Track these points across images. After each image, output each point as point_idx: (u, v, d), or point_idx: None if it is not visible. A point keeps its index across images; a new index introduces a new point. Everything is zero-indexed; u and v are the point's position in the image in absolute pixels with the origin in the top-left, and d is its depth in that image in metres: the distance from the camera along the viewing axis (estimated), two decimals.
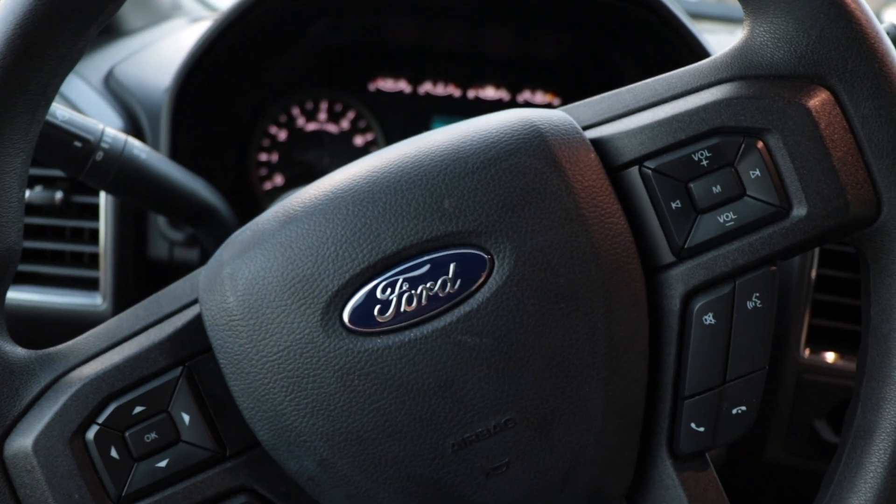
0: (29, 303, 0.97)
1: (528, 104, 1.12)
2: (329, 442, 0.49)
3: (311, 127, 1.14)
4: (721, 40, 1.17)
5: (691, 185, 0.50)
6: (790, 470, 0.87)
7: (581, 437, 0.49)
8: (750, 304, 0.50)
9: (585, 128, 0.53)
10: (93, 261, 0.97)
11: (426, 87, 1.13)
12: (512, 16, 1.05)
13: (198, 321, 0.52)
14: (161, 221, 0.94)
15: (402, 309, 0.48)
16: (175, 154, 0.95)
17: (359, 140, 1.14)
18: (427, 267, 0.48)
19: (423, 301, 0.48)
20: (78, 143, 0.66)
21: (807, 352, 0.85)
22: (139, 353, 0.51)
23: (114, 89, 0.99)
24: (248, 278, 0.49)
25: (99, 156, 0.67)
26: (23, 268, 0.98)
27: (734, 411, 0.51)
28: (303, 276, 0.48)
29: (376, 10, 1.02)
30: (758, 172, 0.49)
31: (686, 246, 0.50)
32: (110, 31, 1.11)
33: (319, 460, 0.49)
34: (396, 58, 1.13)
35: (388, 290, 0.48)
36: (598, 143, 0.52)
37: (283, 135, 1.14)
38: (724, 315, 0.50)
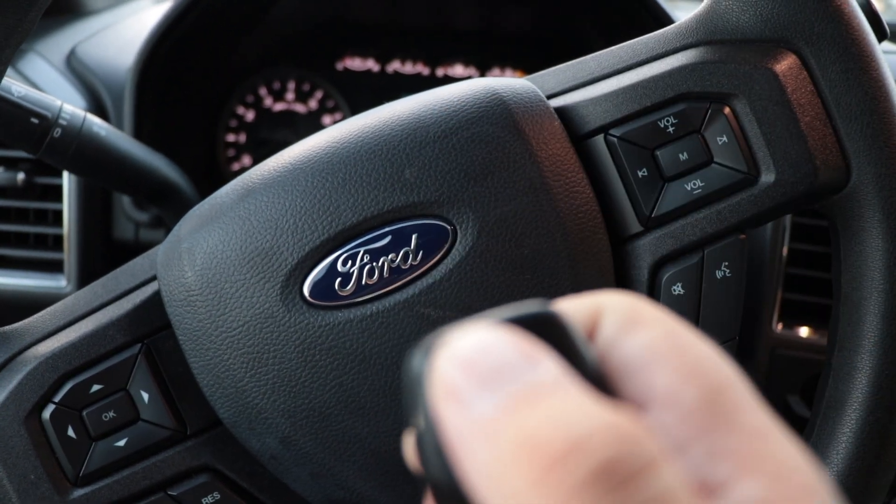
0: None
1: None
2: (291, 419, 0.48)
3: (279, 107, 1.12)
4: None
5: (657, 152, 0.49)
6: None
7: None
8: (719, 274, 0.49)
9: (549, 96, 0.52)
10: (57, 243, 0.95)
11: (394, 66, 1.12)
12: None
13: (156, 297, 0.51)
14: (126, 202, 0.93)
15: (363, 282, 0.47)
16: (139, 135, 0.93)
17: (327, 120, 1.13)
18: (388, 238, 0.47)
19: (385, 273, 0.47)
20: (35, 120, 0.65)
21: (779, 326, 0.85)
22: (96, 330, 0.50)
23: (76, 69, 0.97)
24: (205, 252, 0.48)
25: (57, 132, 0.65)
26: None
27: None
28: (262, 250, 0.47)
29: None
30: (725, 139, 0.49)
31: (653, 215, 0.49)
32: (72, 10, 1.09)
33: (281, 438, 0.48)
34: (364, 36, 1.11)
35: (349, 263, 0.47)
36: (562, 112, 0.51)
37: (250, 115, 1.12)
38: (692, 285, 0.49)
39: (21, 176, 0.90)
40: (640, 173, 0.49)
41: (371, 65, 1.12)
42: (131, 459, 0.50)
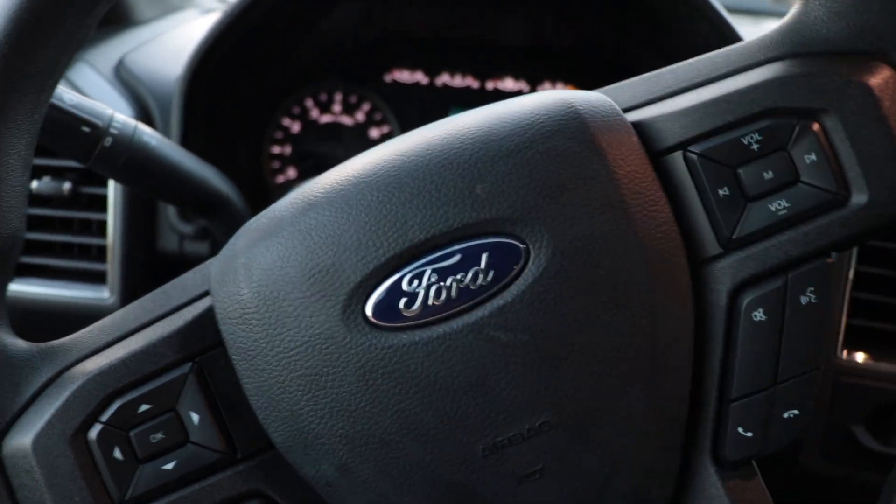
0: (36, 296, 0.95)
1: None
2: (349, 445, 0.45)
3: (326, 119, 1.11)
4: (747, 31, 1.14)
5: (740, 170, 0.47)
6: (826, 478, 0.83)
7: (621, 442, 0.46)
8: (804, 299, 0.46)
9: (625, 110, 0.50)
10: (101, 253, 0.94)
11: (443, 79, 1.10)
12: (530, 3, 1.01)
13: (209, 314, 0.49)
14: (171, 213, 0.91)
15: (429, 302, 0.44)
16: (186, 145, 0.91)
17: (374, 132, 1.11)
18: (457, 257, 0.44)
19: (453, 294, 0.44)
20: (86, 129, 0.63)
21: (844, 353, 0.82)
22: (146, 347, 0.48)
23: (124, 78, 0.96)
24: (263, 268, 0.46)
25: (108, 141, 0.64)
26: (30, 260, 0.96)
27: (785, 415, 0.47)
28: (323, 267, 0.45)
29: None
30: (813, 157, 0.46)
31: (734, 236, 0.47)
32: (121, 21, 1.09)
33: (338, 465, 0.46)
34: (413, 49, 1.09)
35: (415, 282, 0.44)
36: (639, 127, 0.48)
37: (296, 127, 1.11)
38: (775, 311, 0.46)
39: (67, 185, 0.90)
40: (721, 192, 0.47)
41: (419, 77, 1.10)
42: (180, 483, 0.48)
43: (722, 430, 0.48)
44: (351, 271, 0.45)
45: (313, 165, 1.11)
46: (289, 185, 1.12)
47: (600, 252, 0.44)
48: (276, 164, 1.12)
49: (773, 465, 0.86)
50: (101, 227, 0.93)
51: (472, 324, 0.44)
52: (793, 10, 0.49)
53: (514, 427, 0.45)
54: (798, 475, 0.84)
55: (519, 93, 1.09)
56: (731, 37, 0.87)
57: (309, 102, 1.11)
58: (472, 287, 0.44)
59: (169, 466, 0.48)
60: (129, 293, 0.91)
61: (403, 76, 1.10)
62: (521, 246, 0.44)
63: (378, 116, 1.11)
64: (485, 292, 0.44)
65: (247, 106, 1.05)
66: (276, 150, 1.12)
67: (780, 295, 0.46)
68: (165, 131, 0.93)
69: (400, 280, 0.45)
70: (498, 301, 0.44)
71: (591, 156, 0.45)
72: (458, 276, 0.44)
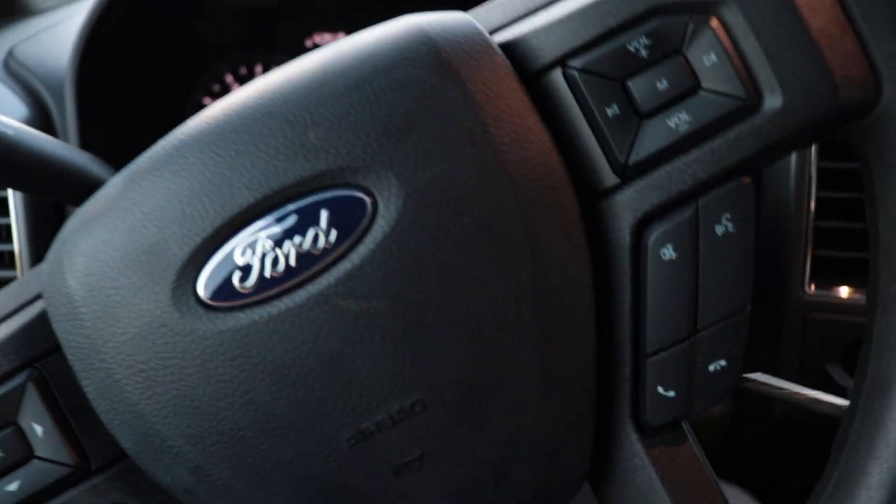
0: None
1: None
2: (199, 445, 0.39)
3: None
4: None
5: (629, 83, 0.39)
6: (802, 422, 0.77)
7: (514, 419, 0.39)
8: (720, 229, 0.39)
9: (492, 32, 0.42)
10: (13, 260, 0.87)
11: None
12: None
13: (45, 314, 0.42)
14: None
15: (267, 274, 0.37)
16: (86, 138, 0.84)
17: None
18: (294, 218, 0.37)
19: (292, 261, 0.37)
20: None
21: (812, 287, 0.75)
22: None
23: (15, 71, 0.89)
24: (86, 255, 0.39)
25: None
26: None
27: (711, 367, 0.40)
28: (147, 246, 0.38)
29: None
30: (714, 57, 0.39)
31: (630, 161, 0.40)
32: (14, 11, 1.01)
33: (192, 468, 0.39)
34: (333, 8, 1.02)
35: (249, 252, 0.38)
36: (508, 47, 0.41)
37: None
38: (687, 246, 0.39)
39: None
40: (609, 111, 0.40)
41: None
42: None
43: (640, 390, 0.41)
44: (177, 248, 0.38)
45: None
46: None
47: (462, 196, 0.37)
48: None
49: (747, 413, 0.80)
50: (9, 232, 0.87)
51: (316, 294, 0.37)
52: None
53: (381, 410, 0.38)
54: (774, 422, 0.77)
55: None
56: None
57: (229, 77, 1.04)
58: (312, 251, 0.37)
59: (12, 487, 0.42)
60: None
61: (325, 39, 1.03)
62: (367, 198, 0.37)
63: None
64: (328, 256, 0.37)
65: (159, 87, 0.98)
66: None
67: (692, 226, 0.39)
68: (63, 126, 0.86)
69: (232, 252, 0.38)
70: (344, 265, 0.37)
71: (443, 83, 0.38)
72: (296, 241, 0.37)
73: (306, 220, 0.37)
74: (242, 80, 1.03)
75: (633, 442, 0.42)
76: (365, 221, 0.37)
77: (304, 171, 0.37)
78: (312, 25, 1.03)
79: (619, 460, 0.42)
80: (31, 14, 1.01)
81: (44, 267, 0.42)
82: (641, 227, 0.40)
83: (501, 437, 0.39)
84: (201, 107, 1.04)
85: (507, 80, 0.39)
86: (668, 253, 0.40)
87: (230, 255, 0.38)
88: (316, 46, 1.02)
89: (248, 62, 1.03)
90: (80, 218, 0.41)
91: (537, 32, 0.41)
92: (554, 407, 0.40)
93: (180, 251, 0.38)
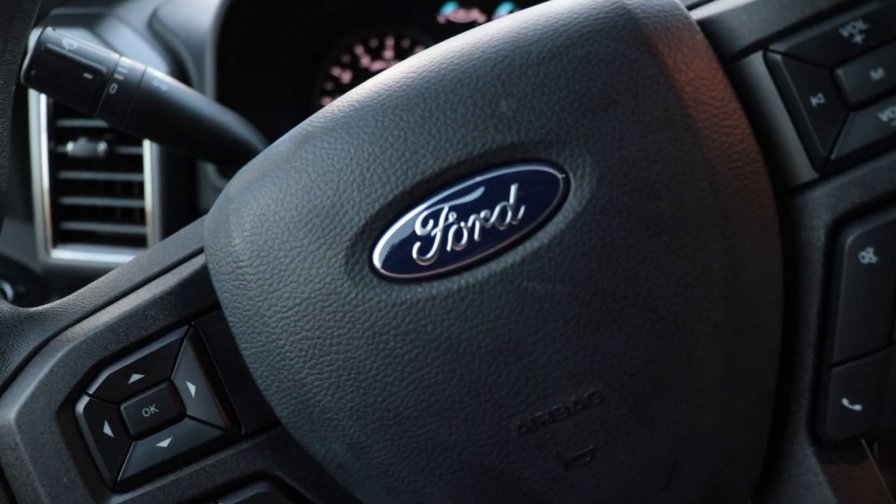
0: (81, 263, 0.91)
1: None
2: (360, 421, 0.38)
3: (378, 66, 1.03)
4: None
5: (839, 71, 0.37)
6: None
7: (691, 418, 0.37)
8: None
9: (691, 7, 0.40)
10: (143, 216, 0.89)
11: (501, 15, 1.01)
12: None
13: (206, 271, 0.42)
14: (210, 171, 0.86)
15: (448, 247, 0.36)
16: (222, 100, 0.85)
17: None
18: (480, 191, 0.36)
19: (477, 236, 0.36)
20: (88, 75, 0.58)
21: None
22: (136, 310, 0.42)
23: (158, 32, 0.90)
24: (255, 214, 0.39)
25: (113, 88, 0.58)
26: (74, 226, 0.93)
27: None
28: (321, 208, 0.38)
29: None
30: None
31: (834, 156, 0.37)
32: None
33: (350, 444, 0.39)
34: None
35: (431, 223, 0.37)
36: (708, 25, 0.39)
37: (346, 76, 1.04)
38: (890, 250, 0.37)
39: (102, 146, 0.85)
40: (814, 100, 0.37)
41: (475, 15, 1.01)
42: (177, 462, 0.42)
43: (821, 401, 0.39)
44: (354, 212, 0.37)
45: None
46: None
47: (659, 179, 0.35)
48: None
49: None
50: (141, 189, 0.88)
51: (500, 272, 0.36)
52: None
53: (557, 399, 0.37)
54: None
55: None
56: None
57: (359, 49, 1.04)
58: (499, 227, 0.36)
59: (164, 444, 0.42)
60: None
61: (458, 15, 1.01)
62: (559, 174, 0.36)
63: None
64: (515, 233, 0.36)
65: (290, 56, 0.98)
66: (326, 101, 1.05)
67: None
68: (201, 87, 0.87)
69: (412, 221, 0.37)
70: (532, 244, 0.36)
71: (643, 60, 0.36)
72: (483, 215, 0.36)
73: (494, 193, 0.36)
74: (373, 53, 1.03)
75: (808, 455, 0.39)
76: (556, 200, 0.36)
77: (495, 141, 0.36)
78: (444, 2, 1.02)
79: (791, 474, 0.40)
80: None
81: (207, 223, 0.42)
82: (838, 226, 0.38)
83: (676, 435, 0.37)
84: (330, 77, 1.04)
85: (707, 61, 0.37)
86: (869, 256, 0.37)
87: (410, 225, 0.37)
88: (449, 23, 1.00)
89: (379, 35, 1.03)
90: (247, 175, 0.41)
91: (739, 11, 0.38)
92: (732, 409, 0.37)
93: (357, 216, 0.37)
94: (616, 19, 0.37)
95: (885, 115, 0.36)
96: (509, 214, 0.36)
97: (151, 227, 0.86)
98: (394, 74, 0.39)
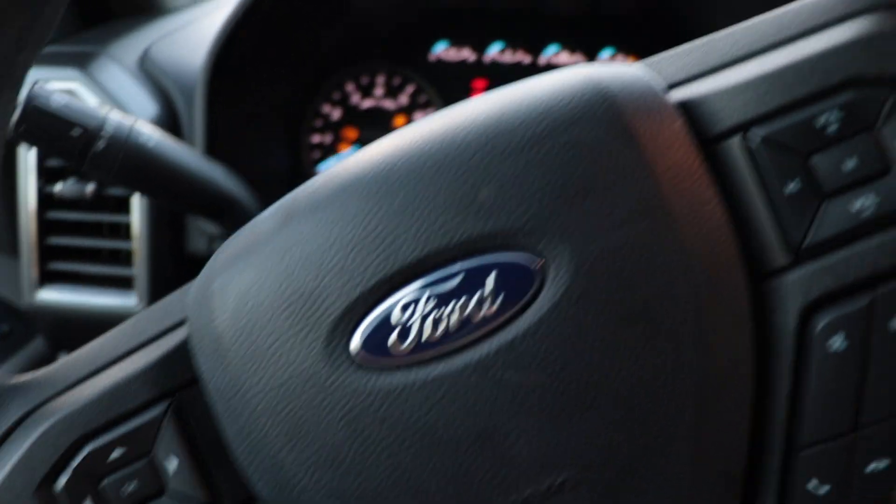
0: (66, 304, 0.91)
1: None
2: (339, 500, 0.38)
3: (368, 104, 1.04)
4: None
5: (814, 158, 0.37)
6: None
7: (662, 501, 0.37)
8: (895, 325, 0.37)
9: (670, 87, 0.41)
10: (129, 258, 0.89)
11: (492, 55, 1.01)
12: None
13: (187, 345, 0.42)
14: None
15: (425, 335, 0.36)
16: (213, 140, 0.85)
17: (420, 116, 1.03)
18: (460, 278, 0.36)
19: (454, 325, 0.36)
20: (76, 132, 0.58)
21: None
22: (119, 383, 0.42)
23: (149, 71, 0.90)
24: (239, 293, 0.39)
25: (100, 145, 0.58)
26: (60, 266, 0.92)
27: (870, 467, 0.38)
28: (303, 292, 0.38)
29: None
30: None
31: (806, 244, 0.37)
32: (150, 9, 1.03)
33: None
34: (457, 23, 1.01)
35: (410, 310, 0.37)
36: (686, 107, 0.39)
37: (336, 113, 1.04)
38: (858, 337, 0.37)
39: (90, 187, 0.85)
40: (789, 186, 0.37)
41: (466, 54, 1.02)
42: None
43: (789, 484, 0.39)
44: (334, 298, 0.37)
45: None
46: None
47: (635, 270, 0.35)
48: (316, 155, 1.05)
49: None
50: (128, 231, 0.88)
51: (475, 363, 0.36)
52: None
53: (530, 486, 0.37)
54: None
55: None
56: None
57: (350, 86, 1.04)
58: (476, 316, 0.36)
59: None
60: (158, 298, 0.86)
61: (449, 54, 1.02)
62: (537, 263, 0.36)
63: (423, 99, 1.03)
64: (491, 322, 0.36)
65: (280, 93, 0.99)
66: (316, 139, 1.05)
67: (866, 317, 0.37)
68: (191, 126, 0.87)
69: (391, 308, 0.37)
70: (508, 333, 0.36)
71: (623, 148, 0.36)
72: (461, 302, 0.36)
73: (473, 281, 0.36)
74: (364, 90, 1.03)
75: None
76: (532, 289, 0.36)
77: (475, 229, 0.36)
78: (436, 39, 1.02)
79: None
80: (166, 12, 1.04)
81: (190, 297, 0.42)
82: (810, 312, 0.38)
83: None
84: (320, 114, 1.04)
85: (685, 147, 0.37)
86: (838, 343, 0.37)
87: (389, 312, 0.37)
88: (440, 62, 1.01)
89: (369, 72, 1.03)
90: (231, 251, 0.41)
91: (719, 95, 0.39)
92: (702, 494, 0.38)
93: (338, 302, 0.37)
94: (598, 105, 0.37)
95: (856, 204, 0.37)
96: (486, 303, 0.36)
97: (138, 270, 0.86)
98: (376, 154, 0.40)
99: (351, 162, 0.41)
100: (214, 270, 0.41)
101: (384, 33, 1.01)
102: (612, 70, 0.39)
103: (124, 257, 0.89)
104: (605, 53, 0.99)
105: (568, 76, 0.39)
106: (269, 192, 0.93)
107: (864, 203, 0.37)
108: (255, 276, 0.39)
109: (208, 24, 0.99)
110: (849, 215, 0.37)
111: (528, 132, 0.37)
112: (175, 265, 0.88)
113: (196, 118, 0.84)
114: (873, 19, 0.37)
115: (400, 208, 0.37)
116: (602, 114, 0.37)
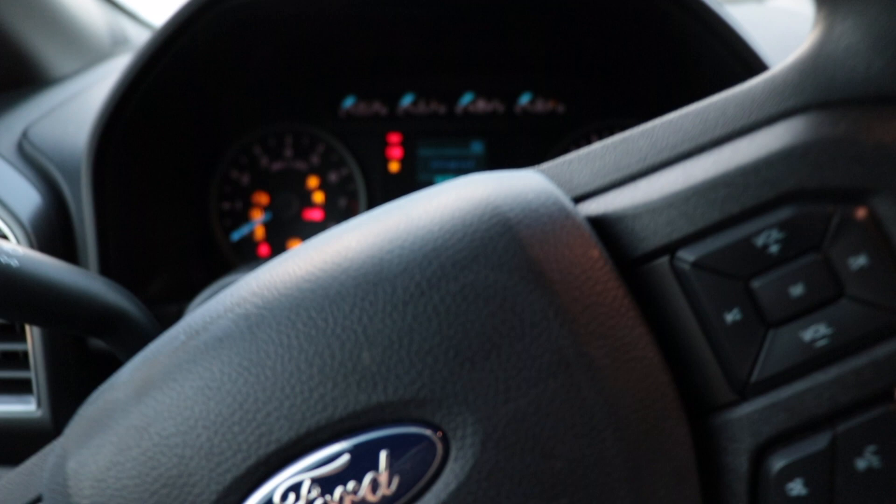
0: None
1: (526, 114, 0.93)
2: None
3: (278, 166, 0.97)
4: (749, 13, 0.98)
5: (755, 284, 0.32)
6: None
7: None
8: (861, 464, 0.32)
9: (580, 199, 0.35)
10: (27, 360, 0.81)
11: (405, 107, 0.96)
12: (497, 12, 0.87)
13: None
14: None
15: None
16: (104, 225, 0.78)
17: (333, 177, 0.97)
18: (345, 458, 0.31)
19: None
20: None
21: None
22: None
23: (29, 155, 0.83)
24: (95, 479, 0.33)
25: None
26: None
27: None
28: (167, 478, 0.32)
29: (326, 23, 0.84)
30: (862, 259, 0.31)
31: (754, 379, 0.32)
32: (33, 81, 0.95)
33: None
34: (365, 76, 0.95)
35: (292, 497, 0.31)
36: (602, 226, 0.34)
37: (245, 178, 0.98)
38: (820, 481, 0.32)
39: None
40: (729, 316, 0.32)
41: (378, 108, 0.96)
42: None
43: None
44: (204, 485, 0.31)
45: (270, 220, 0.98)
46: (247, 245, 0.98)
47: (553, 435, 0.30)
48: (228, 222, 0.98)
49: None
50: (23, 330, 0.80)
51: None
52: (814, 36, 0.34)
53: None
54: None
55: (493, 113, 0.94)
56: (738, 45, 0.71)
57: (257, 149, 0.97)
58: (369, 500, 0.30)
59: None
60: (60, 402, 0.79)
61: (359, 109, 0.96)
62: (435, 437, 0.30)
63: (335, 158, 0.97)
64: None
65: (181, 162, 0.91)
66: (226, 206, 0.98)
67: (827, 459, 0.32)
68: (79, 210, 0.79)
69: (270, 495, 0.31)
70: None
71: (529, 291, 0.31)
72: (350, 487, 0.30)
73: (362, 461, 0.30)
74: (272, 153, 0.97)
75: None
76: (434, 466, 0.30)
77: (358, 402, 0.30)
78: (344, 94, 0.96)
79: None
80: (46, 84, 0.95)
81: (45, 478, 0.36)
82: (763, 453, 0.33)
83: None
84: (229, 180, 0.97)
85: (605, 278, 0.32)
86: (797, 488, 0.32)
87: (268, 499, 0.31)
88: (349, 117, 0.95)
89: (277, 133, 0.97)
90: (84, 424, 0.35)
91: (639, 210, 0.34)
92: None
93: (208, 489, 0.31)
94: (495, 239, 0.31)
95: (807, 335, 0.32)
96: (381, 486, 0.30)
97: (35, 372, 0.78)
98: (238, 303, 0.34)
99: (209, 311, 0.34)
100: (69, 447, 0.35)
101: (290, 92, 0.95)
102: (510, 185, 0.34)
103: (21, 359, 0.81)
104: (524, 99, 0.95)
105: (458, 199, 0.34)
106: (181, 266, 0.86)
107: (816, 333, 0.32)
108: (112, 457, 0.33)
109: (93, 97, 0.91)
110: (800, 345, 0.32)
111: (414, 279, 0.31)
112: (77, 364, 0.80)
113: (84, 202, 0.77)
114: (810, 120, 0.33)
115: (269, 378, 0.31)
116: (502, 249, 0.31)
